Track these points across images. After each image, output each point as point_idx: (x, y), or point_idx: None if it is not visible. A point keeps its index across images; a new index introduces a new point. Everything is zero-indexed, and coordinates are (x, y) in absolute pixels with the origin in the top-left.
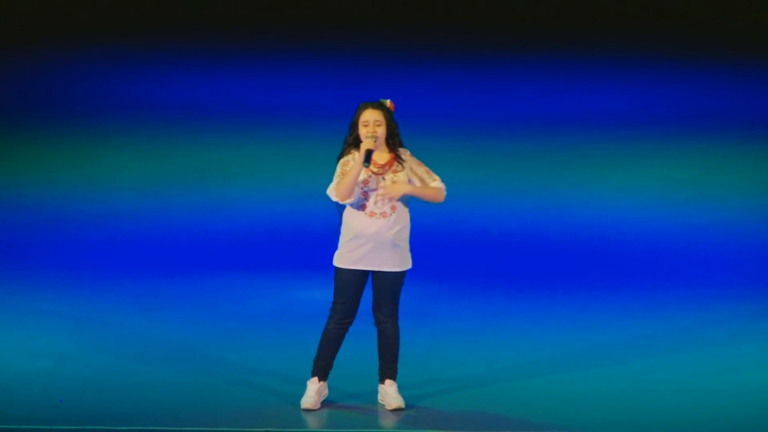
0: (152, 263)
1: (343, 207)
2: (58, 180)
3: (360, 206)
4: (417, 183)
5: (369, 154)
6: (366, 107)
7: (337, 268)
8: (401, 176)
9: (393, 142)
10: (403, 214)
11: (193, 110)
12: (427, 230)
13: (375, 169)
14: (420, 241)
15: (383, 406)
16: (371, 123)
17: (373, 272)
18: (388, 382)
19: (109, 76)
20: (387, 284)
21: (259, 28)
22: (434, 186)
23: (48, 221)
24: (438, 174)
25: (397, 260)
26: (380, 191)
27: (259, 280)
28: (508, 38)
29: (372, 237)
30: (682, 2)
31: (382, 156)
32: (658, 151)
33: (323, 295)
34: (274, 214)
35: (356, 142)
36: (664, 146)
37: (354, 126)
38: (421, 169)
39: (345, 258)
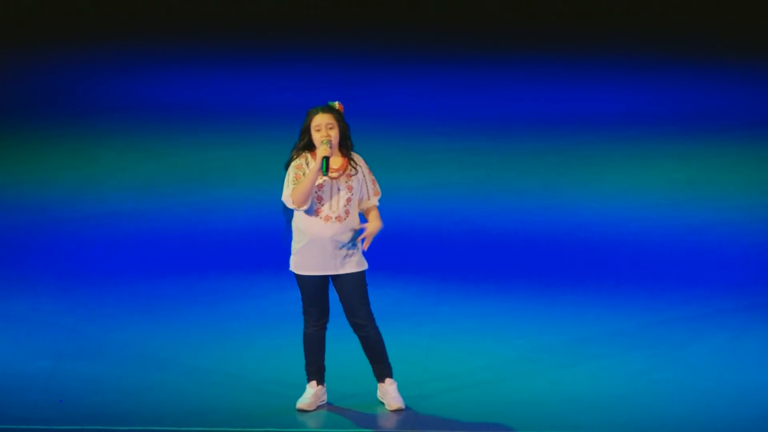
0: (152, 263)
1: (291, 213)
2: (58, 180)
3: (314, 211)
4: (365, 191)
5: (326, 161)
6: (316, 111)
7: (299, 275)
8: (355, 181)
9: (346, 144)
10: (355, 217)
11: (193, 110)
12: (427, 230)
13: (331, 174)
14: (420, 241)
15: (383, 403)
16: (323, 127)
17: (333, 277)
18: (387, 380)
19: (109, 76)
20: (352, 286)
21: (259, 28)
22: (376, 204)
23: (48, 221)
24: (438, 174)
25: (354, 261)
26: (368, 232)
27: (259, 280)
28: (508, 38)
29: (328, 241)
30: (682, 2)
31: (335, 160)
32: (658, 151)
33: None
34: (274, 214)
35: (307, 147)
36: (664, 146)
37: (305, 131)
38: (370, 179)
39: (303, 264)
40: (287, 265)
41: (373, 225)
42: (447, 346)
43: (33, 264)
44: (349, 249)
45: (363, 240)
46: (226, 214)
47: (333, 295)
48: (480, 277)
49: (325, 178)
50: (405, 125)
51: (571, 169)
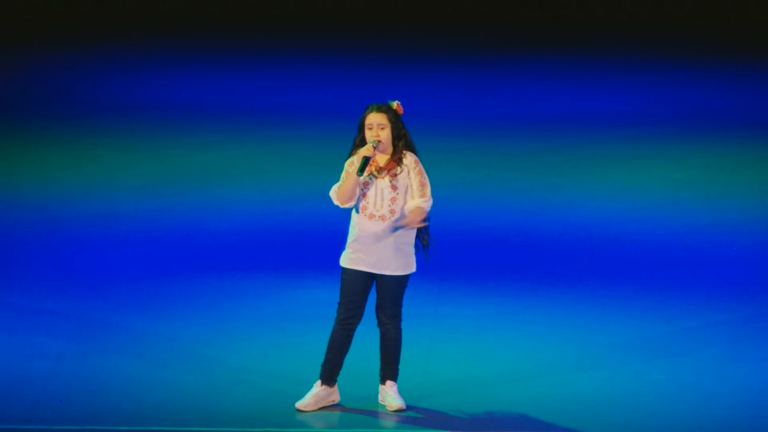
0: (152, 263)
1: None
2: (58, 180)
3: (360, 208)
4: (411, 191)
5: (365, 161)
6: (371, 110)
7: (342, 268)
8: (399, 179)
9: (399, 144)
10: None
11: (193, 110)
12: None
13: (375, 172)
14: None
15: (384, 406)
16: (375, 126)
17: (376, 275)
18: (389, 383)
19: (109, 76)
20: (388, 287)
21: (259, 28)
22: (420, 205)
23: (48, 221)
24: (437, 174)
25: (399, 264)
26: (405, 219)
27: (259, 280)
28: (508, 38)
29: (372, 239)
30: (682, 3)
31: (383, 158)
32: (658, 151)
33: (324, 294)
34: (274, 214)
35: (363, 143)
36: (664, 146)
37: (361, 127)
38: (417, 180)
39: (348, 258)
40: (287, 265)
41: (407, 218)
42: (447, 346)
43: (33, 264)
44: (394, 250)
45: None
46: (226, 214)
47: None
48: (480, 277)
49: (372, 176)
50: (405, 125)
51: (571, 169)
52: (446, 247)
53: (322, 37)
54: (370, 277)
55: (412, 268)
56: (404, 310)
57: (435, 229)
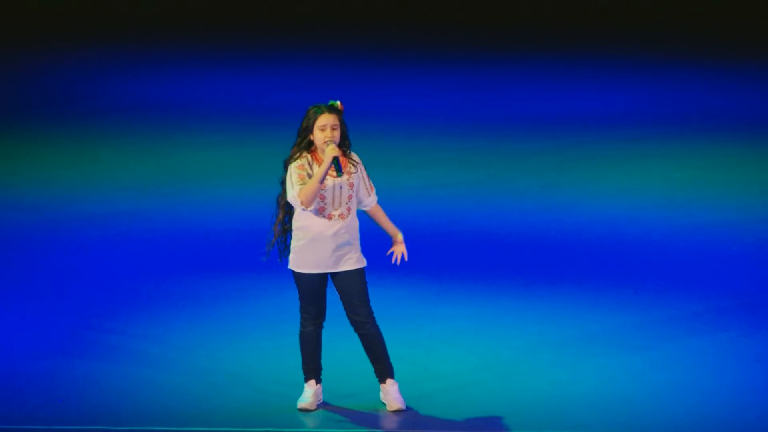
0: (152, 263)
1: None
2: (58, 180)
3: (318, 210)
4: (362, 189)
5: (337, 161)
6: (321, 111)
7: (297, 273)
8: (355, 179)
9: (347, 143)
10: (355, 216)
11: (193, 110)
12: (427, 230)
13: (333, 174)
14: (420, 241)
15: (384, 406)
16: (328, 127)
17: (333, 274)
18: (389, 381)
19: (109, 76)
20: (353, 283)
21: (259, 28)
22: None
23: (48, 221)
24: (438, 174)
25: (354, 258)
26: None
27: (259, 280)
28: (508, 38)
29: (330, 239)
30: (682, 2)
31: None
32: (658, 151)
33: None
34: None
35: (308, 147)
36: (664, 146)
37: (308, 130)
38: (366, 176)
39: (303, 262)
40: (287, 264)
41: (399, 236)
42: (447, 346)
43: (33, 264)
44: (348, 246)
45: (394, 253)
46: (226, 214)
47: (330, 295)
48: (480, 277)
49: (327, 177)
50: (405, 125)
51: (571, 169)
52: (446, 247)
53: (322, 37)
54: (325, 278)
55: (364, 261)
56: (404, 310)
57: (436, 229)
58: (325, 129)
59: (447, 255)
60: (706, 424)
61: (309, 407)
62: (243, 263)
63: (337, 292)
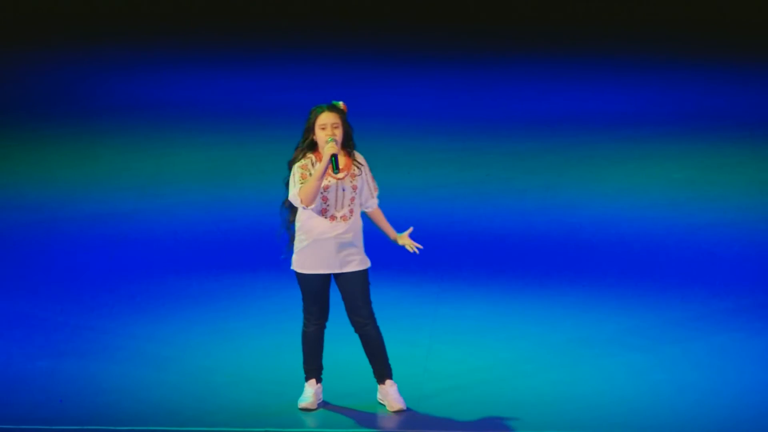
0: (152, 263)
1: (287, 213)
2: (58, 180)
3: (320, 211)
4: (366, 191)
5: (335, 158)
6: (322, 110)
7: (301, 274)
8: (359, 180)
9: (349, 144)
10: (358, 216)
11: (193, 110)
12: (427, 230)
13: (340, 172)
14: (420, 241)
15: (384, 406)
16: (329, 126)
17: (336, 275)
18: (388, 382)
19: (109, 76)
20: (356, 284)
21: (258, 28)
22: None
23: (48, 221)
24: (438, 174)
25: (357, 260)
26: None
27: (259, 280)
28: (508, 38)
29: (333, 241)
30: (682, 2)
31: (340, 160)
32: (658, 151)
33: None
34: (274, 214)
35: (311, 147)
36: (664, 146)
37: (309, 130)
38: (370, 177)
39: (306, 263)
40: (287, 264)
41: (404, 232)
42: (447, 346)
43: (33, 264)
44: (352, 248)
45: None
46: (226, 214)
47: (333, 296)
48: (480, 277)
49: (331, 178)
50: (405, 125)
51: (571, 169)
52: (446, 247)
53: (321, 37)
54: (328, 279)
55: (368, 263)
56: (404, 310)
57: (436, 229)
58: (325, 128)
59: (447, 255)
60: (706, 424)
61: (310, 407)
62: (243, 263)
63: (339, 293)
